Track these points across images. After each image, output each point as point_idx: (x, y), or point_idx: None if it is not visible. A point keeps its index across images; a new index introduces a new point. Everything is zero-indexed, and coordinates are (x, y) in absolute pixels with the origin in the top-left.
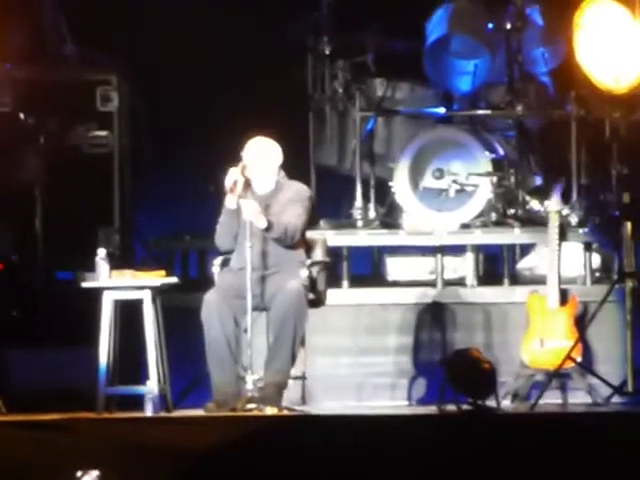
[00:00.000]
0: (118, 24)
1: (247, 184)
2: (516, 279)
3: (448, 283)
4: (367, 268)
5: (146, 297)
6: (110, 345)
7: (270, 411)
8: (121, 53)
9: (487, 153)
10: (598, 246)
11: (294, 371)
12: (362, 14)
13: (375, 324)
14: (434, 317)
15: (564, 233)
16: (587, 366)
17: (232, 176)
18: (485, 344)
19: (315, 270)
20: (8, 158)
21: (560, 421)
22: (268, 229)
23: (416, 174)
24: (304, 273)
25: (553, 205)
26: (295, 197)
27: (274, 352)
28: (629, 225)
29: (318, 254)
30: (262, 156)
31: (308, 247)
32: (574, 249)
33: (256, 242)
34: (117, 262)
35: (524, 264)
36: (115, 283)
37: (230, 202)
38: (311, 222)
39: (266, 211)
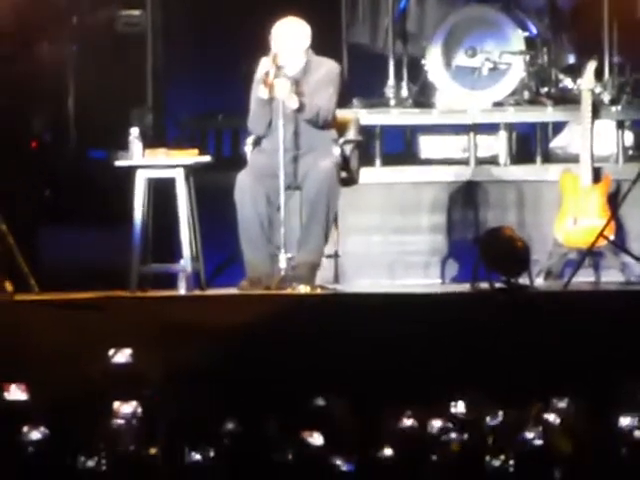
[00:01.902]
0: None
1: (279, 72)
2: (549, 157)
3: (481, 161)
4: (400, 146)
5: (179, 176)
6: (143, 224)
7: (303, 289)
8: None
9: (520, 31)
10: (631, 124)
11: (327, 250)
12: None
13: (408, 203)
14: (467, 195)
15: (597, 111)
16: (620, 244)
17: (264, 67)
18: (518, 223)
19: (348, 149)
20: (40, 38)
21: (593, 299)
22: (300, 110)
23: (449, 52)
24: (336, 152)
25: (586, 83)
26: (325, 77)
27: (307, 231)
28: None
29: (351, 133)
30: (290, 37)
31: (341, 126)
32: (607, 127)
33: (288, 122)
34: (150, 141)
35: (557, 142)
36: (148, 162)
37: (262, 92)
38: (341, 97)
39: (297, 91)
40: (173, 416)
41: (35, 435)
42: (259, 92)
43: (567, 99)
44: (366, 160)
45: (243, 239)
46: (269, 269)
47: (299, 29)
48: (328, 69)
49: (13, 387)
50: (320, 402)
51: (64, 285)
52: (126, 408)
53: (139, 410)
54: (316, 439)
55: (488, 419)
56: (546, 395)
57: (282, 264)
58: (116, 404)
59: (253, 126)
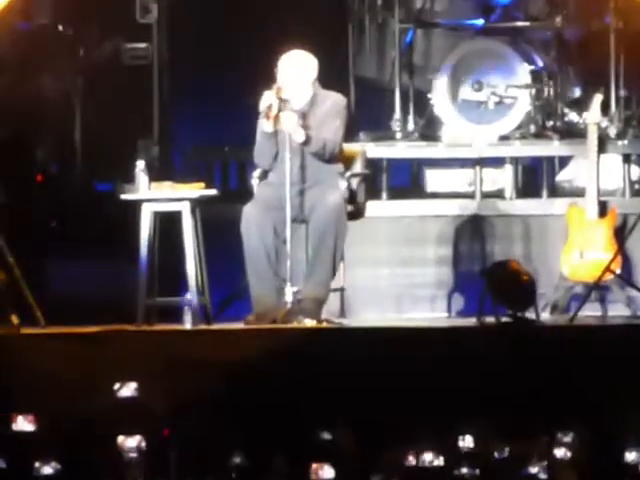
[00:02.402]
0: None
1: (283, 105)
2: (555, 191)
3: (487, 195)
4: (406, 180)
5: (185, 209)
6: (149, 257)
7: (309, 323)
8: None
9: (526, 65)
10: (637, 157)
11: (333, 283)
12: None
13: (414, 236)
14: (473, 229)
15: (603, 145)
16: (626, 278)
17: (266, 100)
18: (524, 256)
19: (354, 182)
20: (48, 70)
21: (599, 333)
22: (306, 143)
23: (455, 86)
24: (343, 185)
25: (592, 117)
26: (332, 110)
27: (314, 266)
28: None
29: (358, 166)
30: (297, 70)
31: (348, 159)
32: (613, 161)
33: (295, 155)
34: (156, 173)
35: (563, 176)
36: (154, 195)
37: (266, 125)
38: (348, 130)
39: (304, 124)
40: (179, 450)
41: (47, 470)
42: (263, 125)
43: (573, 133)
44: (373, 193)
45: (250, 271)
46: (275, 302)
47: (305, 62)
48: (334, 101)
49: (20, 418)
50: (327, 435)
51: (70, 318)
52: (130, 442)
53: (143, 444)
54: (327, 472)
55: (495, 453)
56: (551, 429)
57: (288, 297)
58: (120, 438)
59: (258, 159)
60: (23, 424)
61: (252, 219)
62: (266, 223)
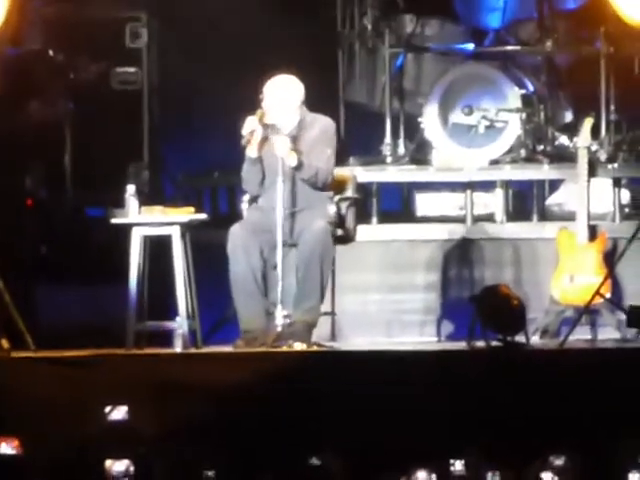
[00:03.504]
0: None
1: (267, 130)
2: (545, 215)
3: (477, 219)
4: (396, 204)
5: (175, 233)
6: (140, 281)
7: (299, 347)
8: None
9: (516, 89)
10: (627, 182)
11: (323, 307)
12: None
13: (404, 260)
14: (463, 253)
15: (593, 169)
16: (616, 302)
17: (249, 126)
18: (514, 280)
19: (344, 206)
20: (38, 95)
21: (589, 357)
22: (298, 168)
23: (446, 110)
24: (332, 210)
25: (582, 141)
26: (322, 136)
27: (303, 291)
28: None
29: (348, 190)
30: (282, 95)
31: (338, 183)
32: (603, 185)
33: (285, 180)
34: (146, 198)
35: (553, 200)
36: (144, 219)
37: (251, 151)
38: (338, 154)
39: (294, 149)
40: (167, 474)
41: None
42: (247, 151)
43: (563, 157)
44: (363, 217)
45: (236, 293)
46: (264, 325)
47: (291, 86)
48: (324, 127)
49: (3, 444)
50: (316, 461)
51: (60, 342)
52: (118, 466)
53: (131, 469)
54: None
55: (487, 478)
56: (543, 453)
57: (278, 320)
58: (108, 462)
59: (246, 185)
60: (7, 449)
61: (238, 240)
62: (253, 244)
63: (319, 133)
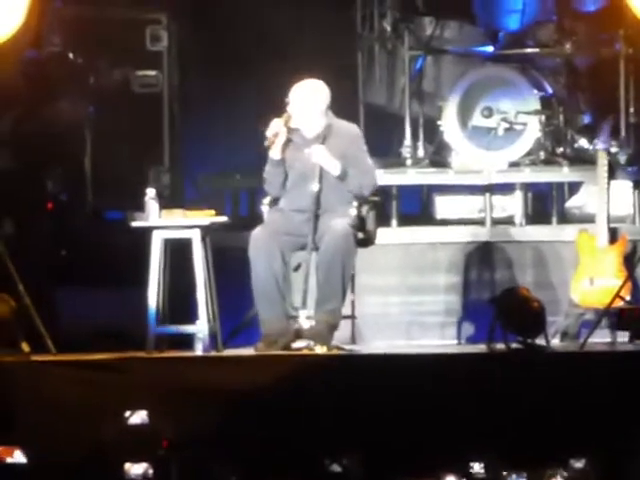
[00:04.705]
0: None
1: (291, 134)
2: (565, 218)
3: (497, 222)
4: (416, 207)
5: (195, 236)
6: (160, 285)
7: (320, 350)
8: None
9: (536, 91)
10: None
11: (344, 310)
12: None
13: (424, 263)
14: (483, 256)
15: (613, 171)
16: (636, 304)
17: (274, 128)
18: (534, 283)
19: (365, 209)
20: (58, 98)
21: (609, 360)
22: (342, 177)
23: (465, 113)
24: (353, 212)
25: (602, 143)
26: (354, 146)
27: (324, 293)
28: None
29: None
30: (309, 99)
31: None
32: (623, 187)
33: (308, 182)
34: (167, 201)
35: (573, 202)
36: (165, 222)
37: (274, 153)
38: None
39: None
40: (186, 477)
41: None
42: (270, 153)
43: (583, 159)
44: (383, 220)
45: (257, 296)
46: (285, 328)
47: (317, 91)
48: (353, 135)
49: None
50: (336, 467)
51: (80, 346)
52: (137, 469)
53: (150, 472)
54: None
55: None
56: (563, 456)
57: (301, 319)
58: (127, 465)
59: (268, 187)
60: (20, 457)
61: (260, 243)
62: (274, 248)
63: (349, 143)
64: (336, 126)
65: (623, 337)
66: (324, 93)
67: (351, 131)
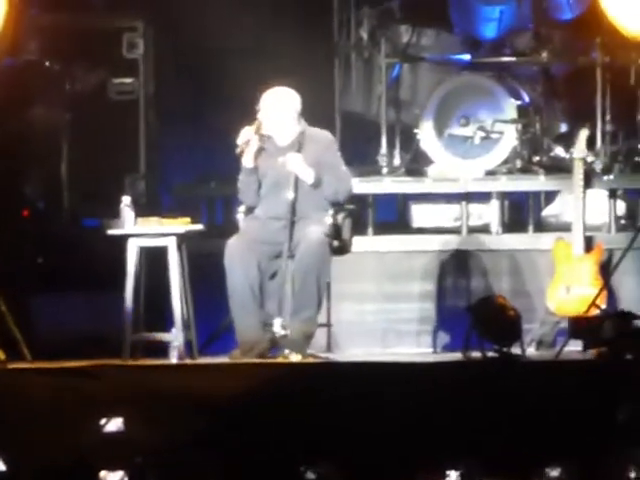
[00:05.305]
0: None
1: (263, 141)
2: (541, 226)
3: (473, 230)
4: (392, 215)
5: (171, 244)
6: (136, 292)
7: (295, 358)
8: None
9: (512, 100)
10: (623, 193)
11: (320, 318)
12: None
13: (400, 271)
14: (459, 264)
15: (589, 180)
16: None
17: (244, 136)
18: (510, 291)
19: (340, 217)
20: (34, 105)
21: (585, 368)
22: (316, 185)
23: (441, 121)
24: (328, 220)
25: (578, 152)
26: (328, 153)
27: (300, 301)
28: None
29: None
30: (278, 106)
31: None
32: (599, 196)
33: (284, 190)
34: (143, 209)
35: (549, 211)
36: (140, 230)
37: (246, 161)
38: None
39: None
40: None
41: None
42: (243, 161)
43: (559, 168)
44: (359, 228)
45: (233, 305)
46: (260, 336)
47: (287, 98)
48: (327, 143)
49: None
50: (311, 475)
51: (57, 353)
52: (113, 477)
53: (126, 479)
54: None
55: None
56: (539, 464)
57: (276, 328)
58: (102, 473)
59: (242, 196)
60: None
61: (235, 253)
62: (250, 257)
63: (323, 149)
64: (309, 133)
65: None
66: (294, 100)
67: (325, 138)
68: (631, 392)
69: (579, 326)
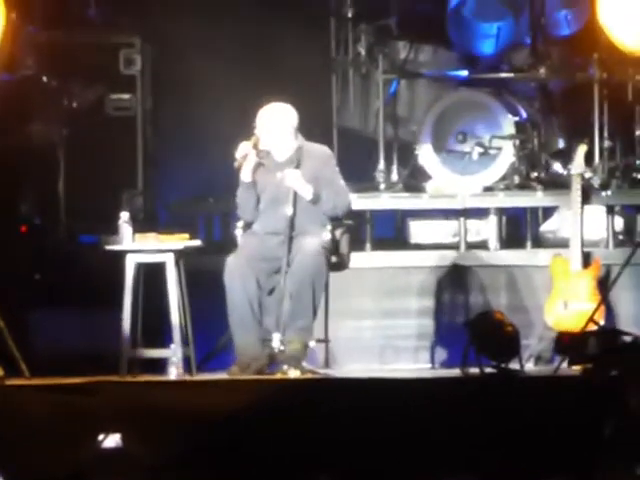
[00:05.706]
0: None
1: (260, 156)
2: (539, 242)
3: (471, 246)
4: (390, 231)
5: (169, 260)
6: (133, 308)
7: (293, 374)
8: (145, 16)
9: (510, 116)
10: (621, 209)
11: (317, 334)
12: None
13: (398, 287)
14: (457, 280)
15: (587, 196)
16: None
17: (242, 150)
18: (508, 307)
19: (338, 233)
20: (31, 120)
21: (583, 384)
22: (315, 201)
23: (439, 137)
24: (326, 236)
25: (576, 168)
26: (326, 168)
27: (295, 310)
28: None
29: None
30: (275, 121)
31: None
32: (597, 212)
33: (281, 205)
34: (140, 225)
35: (547, 227)
36: (138, 246)
37: (244, 175)
38: None
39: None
40: None
41: None
42: (241, 175)
43: (557, 183)
44: (357, 244)
45: (232, 322)
46: (259, 353)
47: (283, 113)
48: (325, 158)
49: None
50: None
51: (54, 369)
52: None
53: None
54: None
55: None
56: (536, 479)
57: (274, 343)
58: None
59: (241, 211)
60: None
61: (235, 270)
62: (249, 274)
63: (321, 165)
64: (307, 148)
65: None
66: (290, 115)
67: (323, 153)
68: (616, 408)
69: (564, 342)
